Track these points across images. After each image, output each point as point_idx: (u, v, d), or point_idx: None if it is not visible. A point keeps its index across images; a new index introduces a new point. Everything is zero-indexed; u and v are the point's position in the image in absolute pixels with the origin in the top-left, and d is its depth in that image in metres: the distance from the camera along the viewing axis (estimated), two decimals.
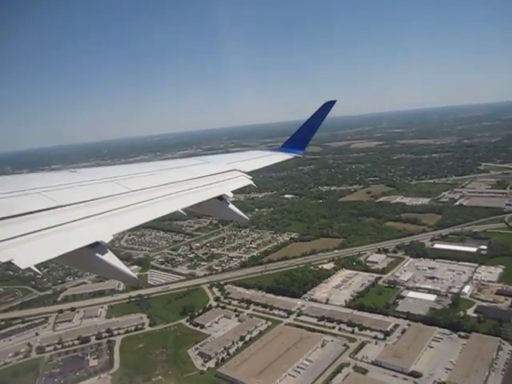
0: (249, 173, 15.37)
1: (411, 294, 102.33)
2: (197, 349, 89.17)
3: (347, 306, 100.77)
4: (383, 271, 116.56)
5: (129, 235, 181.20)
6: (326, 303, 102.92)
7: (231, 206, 12.64)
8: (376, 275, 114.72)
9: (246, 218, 13.48)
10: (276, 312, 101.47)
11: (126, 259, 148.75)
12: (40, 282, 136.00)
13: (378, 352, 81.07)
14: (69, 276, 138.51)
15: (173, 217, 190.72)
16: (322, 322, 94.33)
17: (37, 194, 8.66)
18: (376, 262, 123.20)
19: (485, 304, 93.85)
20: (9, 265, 6.23)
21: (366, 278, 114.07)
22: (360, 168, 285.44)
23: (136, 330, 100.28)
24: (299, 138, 20.94)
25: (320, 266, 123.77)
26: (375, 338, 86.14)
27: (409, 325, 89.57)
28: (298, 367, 78.75)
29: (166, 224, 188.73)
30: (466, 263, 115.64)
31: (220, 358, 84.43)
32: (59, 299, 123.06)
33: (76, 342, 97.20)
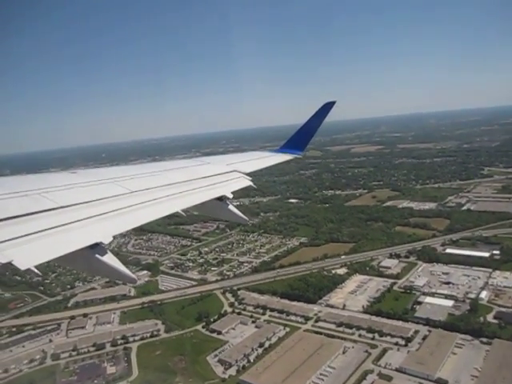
0: (249, 174, 15.40)
1: (428, 299, 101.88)
2: (216, 356, 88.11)
3: (365, 311, 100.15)
4: (397, 276, 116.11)
5: (135, 240, 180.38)
6: (343, 309, 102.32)
7: (231, 207, 12.74)
8: (390, 280, 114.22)
9: (246, 218, 13.52)
10: (293, 318, 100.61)
11: (135, 264, 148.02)
12: (49, 288, 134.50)
13: (400, 359, 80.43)
14: (78, 281, 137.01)
15: (179, 221, 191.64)
16: (340, 328, 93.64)
17: (37, 195, 8.69)
18: (389, 267, 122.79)
19: (504, 310, 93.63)
20: (8, 266, 6.19)
21: (380, 284, 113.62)
22: (362, 172, 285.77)
23: (152, 336, 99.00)
24: (299, 139, 21.02)
25: (333, 272, 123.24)
26: (396, 344, 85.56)
27: (429, 331, 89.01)
28: (321, 374, 77.96)
29: (172, 228, 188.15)
30: (480, 268, 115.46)
31: (241, 365, 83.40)
32: (70, 305, 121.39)
33: (91, 348, 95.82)
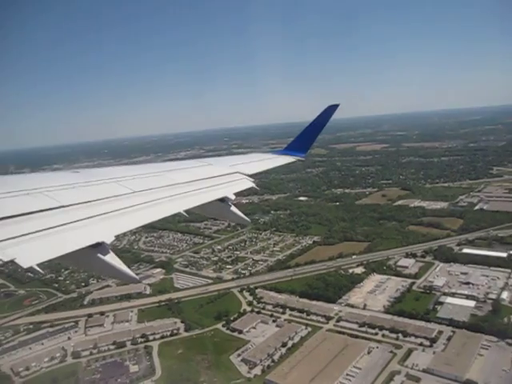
0: (251, 175, 15.47)
1: (449, 299, 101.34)
2: (239, 355, 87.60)
3: (386, 311, 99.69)
4: (416, 276, 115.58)
5: (146, 237, 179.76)
6: (364, 309, 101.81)
7: (233, 209, 12.74)
8: (409, 280, 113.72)
9: (248, 220, 13.58)
10: (314, 317, 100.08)
11: (148, 262, 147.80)
12: (63, 285, 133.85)
13: (427, 359, 79.99)
14: (92, 278, 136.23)
15: (189, 218, 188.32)
16: (363, 328, 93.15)
17: (39, 194, 8.73)
18: (406, 267, 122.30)
19: None
20: (11, 264, 6.26)
21: (399, 283, 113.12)
22: (370, 171, 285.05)
23: (172, 335, 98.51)
24: (302, 141, 21.04)
25: (350, 271, 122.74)
26: (421, 345, 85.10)
27: (453, 331, 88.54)
28: (347, 375, 77.54)
29: (182, 226, 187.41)
30: (499, 269, 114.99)
31: (265, 364, 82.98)
32: (85, 303, 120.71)
33: (111, 347, 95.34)
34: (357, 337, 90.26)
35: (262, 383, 77.96)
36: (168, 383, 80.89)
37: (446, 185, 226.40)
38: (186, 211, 10.53)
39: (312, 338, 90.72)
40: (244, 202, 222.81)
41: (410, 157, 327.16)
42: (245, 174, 15.29)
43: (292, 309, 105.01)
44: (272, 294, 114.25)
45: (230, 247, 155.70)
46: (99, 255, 7.65)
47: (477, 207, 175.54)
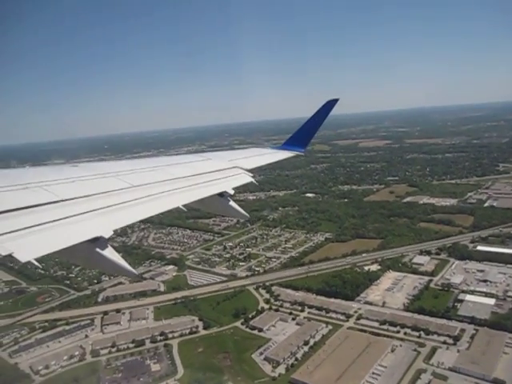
0: (250, 170, 15.45)
1: (468, 297, 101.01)
2: (261, 353, 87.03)
3: (406, 309, 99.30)
4: (432, 274, 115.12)
5: (155, 233, 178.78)
6: (383, 306, 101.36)
7: (232, 203, 12.80)
8: (426, 278, 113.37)
9: (247, 215, 13.64)
10: (333, 315, 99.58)
11: (160, 259, 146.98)
12: (75, 282, 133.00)
13: (451, 358, 79.62)
14: (104, 275, 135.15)
15: (197, 214, 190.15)
16: (384, 326, 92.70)
17: (38, 188, 8.70)
18: (422, 264, 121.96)
19: None
20: (8, 258, 6.24)
21: (416, 281, 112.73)
22: (375, 167, 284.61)
23: (191, 333, 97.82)
24: (301, 136, 21.00)
25: (366, 268, 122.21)
26: (444, 343, 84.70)
27: (476, 330, 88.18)
28: (373, 373, 77.10)
29: (191, 222, 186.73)
30: None
31: (289, 363, 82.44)
32: (99, 300, 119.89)
33: (130, 345, 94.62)
34: (379, 335, 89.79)
35: (288, 382, 77.29)
36: (191, 382, 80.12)
37: (453, 181, 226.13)
38: (185, 206, 10.50)
39: (334, 337, 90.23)
40: (251, 198, 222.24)
41: (414, 153, 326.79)
42: (244, 169, 15.25)
43: (310, 306, 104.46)
44: (289, 291, 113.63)
45: (242, 244, 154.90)
46: (98, 249, 7.61)
47: (486, 204, 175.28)
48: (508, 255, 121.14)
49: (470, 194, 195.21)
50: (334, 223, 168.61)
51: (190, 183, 12.10)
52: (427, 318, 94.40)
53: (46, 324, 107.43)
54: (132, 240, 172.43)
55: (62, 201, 8.42)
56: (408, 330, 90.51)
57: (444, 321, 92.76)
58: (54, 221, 7.58)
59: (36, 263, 6.39)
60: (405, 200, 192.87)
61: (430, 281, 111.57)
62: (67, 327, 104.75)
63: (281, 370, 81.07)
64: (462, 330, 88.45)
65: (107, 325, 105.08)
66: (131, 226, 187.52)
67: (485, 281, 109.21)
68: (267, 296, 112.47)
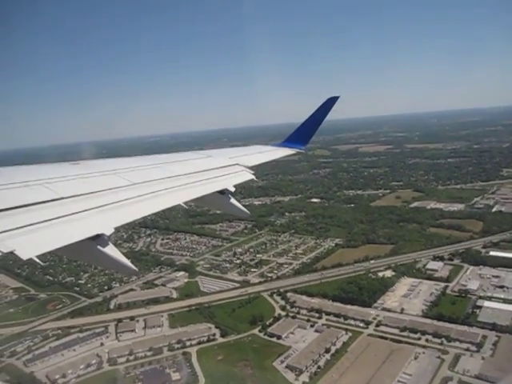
0: (251, 167, 15.45)
1: (487, 303, 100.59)
2: (282, 361, 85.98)
3: (424, 315, 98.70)
4: (448, 280, 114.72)
5: (162, 239, 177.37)
6: (402, 313, 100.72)
7: (233, 201, 12.76)
8: (442, 284, 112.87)
9: (248, 212, 13.60)
10: (352, 322, 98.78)
11: (169, 265, 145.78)
12: (85, 288, 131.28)
13: (476, 365, 78.98)
14: (114, 282, 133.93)
15: (203, 220, 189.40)
16: (405, 333, 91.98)
17: (39, 186, 8.71)
18: (436, 270, 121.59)
19: None
20: (9, 255, 6.20)
21: (432, 287, 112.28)
22: (379, 172, 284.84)
23: (208, 340, 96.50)
24: (302, 133, 21.06)
25: (380, 274, 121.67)
26: (468, 350, 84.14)
27: (497, 336, 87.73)
28: (399, 381, 76.37)
29: (198, 228, 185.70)
30: None
31: (312, 371, 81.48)
32: (112, 307, 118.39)
33: (148, 353, 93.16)
34: (400, 342, 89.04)
35: None
36: None
37: (458, 187, 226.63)
38: (186, 203, 10.54)
39: (355, 344, 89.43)
40: (256, 203, 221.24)
41: (415, 158, 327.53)
42: (245, 166, 15.24)
43: (328, 313, 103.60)
44: (304, 297, 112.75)
45: (251, 250, 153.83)
46: (99, 247, 7.66)
47: (494, 209, 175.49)
48: None
49: (476, 199, 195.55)
50: (342, 229, 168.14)
51: (191, 180, 12.10)
52: (447, 324, 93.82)
53: (59, 332, 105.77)
54: (139, 246, 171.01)
55: (63, 198, 8.42)
56: (429, 337, 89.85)
57: (464, 327, 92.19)
58: (55, 218, 7.60)
59: (37, 260, 6.40)
60: (412, 205, 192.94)
61: (446, 287, 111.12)
62: (81, 335, 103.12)
63: (304, 378, 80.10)
64: (484, 337, 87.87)
65: (122, 332, 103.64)
66: (137, 232, 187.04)
67: (501, 287, 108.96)
68: (282, 303, 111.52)
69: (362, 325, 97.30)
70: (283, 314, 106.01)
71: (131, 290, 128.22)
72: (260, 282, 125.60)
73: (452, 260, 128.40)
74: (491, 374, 75.50)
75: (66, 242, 7.11)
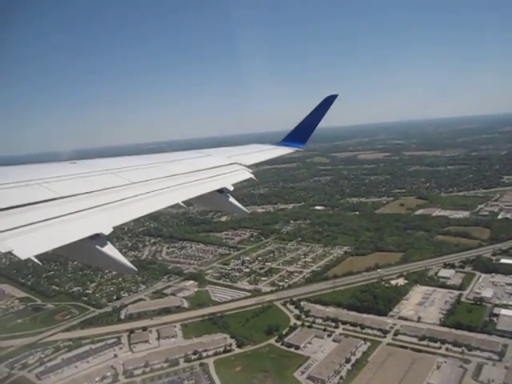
0: (250, 166, 15.49)
1: (504, 311, 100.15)
2: (303, 372, 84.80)
3: (442, 324, 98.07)
4: (461, 287, 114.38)
5: (168, 248, 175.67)
6: (419, 321, 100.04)
7: (231, 199, 12.72)
8: (455, 292, 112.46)
9: (247, 211, 13.54)
10: (369, 331, 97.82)
11: (177, 274, 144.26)
12: (93, 298, 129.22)
13: (500, 374, 78.30)
14: (122, 291, 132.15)
15: (208, 228, 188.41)
16: (424, 342, 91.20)
17: (37, 185, 8.69)
18: (448, 278, 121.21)
19: None
20: (8, 255, 6.19)
21: (446, 295, 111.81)
22: (380, 179, 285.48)
23: (225, 351, 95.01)
24: (300, 132, 20.94)
25: (394, 282, 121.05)
26: (489, 359, 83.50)
27: None
28: None
29: (203, 236, 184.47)
30: None
31: (334, 382, 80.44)
32: (122, 317, 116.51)
33: (164, 364, 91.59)
34: (420, 351, 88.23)
35: None
36: None
37: (461, 194, 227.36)
38: (185, 202, 10.55)
39: (375, 353, 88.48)
40: (259, 211, 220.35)
41: (415, 165, 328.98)
42: (243, 165, 15.29)
43: (344, 322, 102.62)
44: (318, 306, 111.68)
45: (260, 258, 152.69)
46: (97, 246, 7.64)
47: (500, 216, 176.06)
48: None
49: (480, 206, 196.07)
50: (349, 236, 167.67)
51: (190, 179, 12.11)
52: (466, 332, 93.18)
53: (71, 343, 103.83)
54: (145, 254, 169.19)
55: (62, 198, 8.39)
56: (449, 346, 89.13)
57: (484, 336, 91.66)
58: (54, 218, 7.56)
59: (36, 260, 6.37)
60: (417, 212, 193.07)
61: (461, 295, 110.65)
62: (93, 346, 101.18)
63: None
64: (505, 346, 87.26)
65: (135, 343, 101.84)
66: (142, 241, 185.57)
67: None
68: (297, 312, 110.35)
69: (379, 334, 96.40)
70: (298, 323, 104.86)
71: (140, 299, 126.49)
72: (272, 291, 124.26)
73: (463, 268, 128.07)
74: None
75: (64, 241, 7.09)
